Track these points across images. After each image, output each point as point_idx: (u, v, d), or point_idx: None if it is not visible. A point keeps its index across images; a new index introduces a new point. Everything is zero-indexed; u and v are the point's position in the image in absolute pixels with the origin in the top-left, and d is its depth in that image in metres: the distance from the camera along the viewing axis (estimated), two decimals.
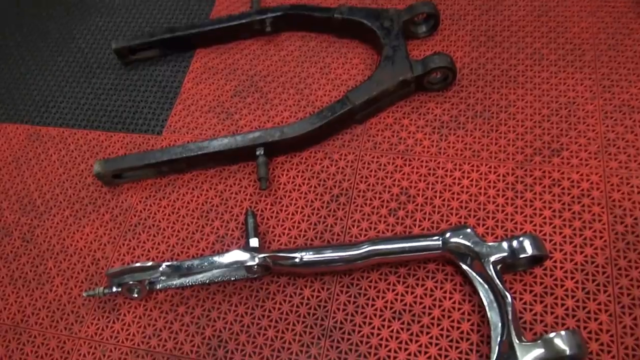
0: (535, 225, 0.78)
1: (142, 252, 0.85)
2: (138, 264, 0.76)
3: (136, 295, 0.79)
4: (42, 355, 0.79)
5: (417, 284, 0.76)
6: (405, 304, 0.74)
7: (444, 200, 0.82)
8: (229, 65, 1.04)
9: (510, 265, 0.72)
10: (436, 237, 0.74)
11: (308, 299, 0.77)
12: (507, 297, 0.66)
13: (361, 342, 0.72)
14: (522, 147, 0.85)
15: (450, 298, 0.74)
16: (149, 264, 0.76)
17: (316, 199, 0.85)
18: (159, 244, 0.86)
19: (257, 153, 0.87)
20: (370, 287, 0.76)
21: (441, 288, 0.75)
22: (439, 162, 0.86)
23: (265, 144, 0.87)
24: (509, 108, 0.89)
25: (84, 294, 0.79)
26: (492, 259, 0.70)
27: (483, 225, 0.79)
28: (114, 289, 0.78)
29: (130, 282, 0.77)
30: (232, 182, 0.89)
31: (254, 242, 0.78)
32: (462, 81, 0.93)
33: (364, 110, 0.89)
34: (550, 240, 0.76)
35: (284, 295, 0.78)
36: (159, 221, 0.88)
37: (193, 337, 0.76)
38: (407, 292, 0.75)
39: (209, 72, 1.04)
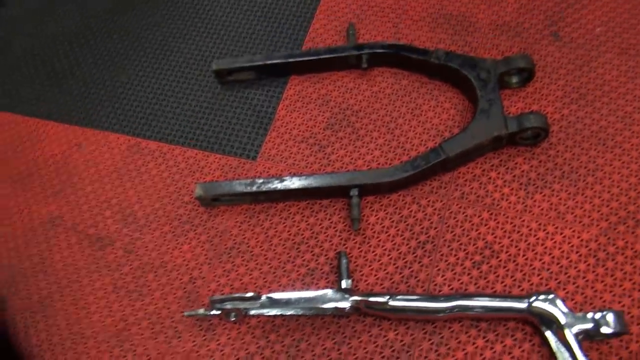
0: (614, 295, 0.82)
1: (237, 275, 0.92)
2: (241, 295, 0.83)
3: (233, 319, 0.87)
4: None
5: (497, 340, 0.81)
6: (483, 358, 0.80)
7: (526, 259, 0.86)
8: (322, 95, 1.08)
9: (590, 336, 0.76)
10: (522, 300, 0.79)
11: (392, 342, 0.83)
12: None
13: None
14: (606, 214, 0.88)
15: (527, 359, 0.79)
16: (250, 294, 0.83)
17: (403, 243, 0.91)
18: (252, 270, 0.92)
19: (351, 193, 0.92)
20: (451, 337, 0.82)
21: (520, 347, 0.80)
22: (523, 220, 0.90)
23: (360, 186, 0.92)
24: (596, 172, 0.92)
25: (185, 314, 0.86)
26: (575, 329, 0.75)
27: (563, 289, 0.83)
28: (214, 312, 0.85)
29: (229, 307, 0.85)
30: (323, 216, 0.95)
31: (346, 283, 0.84)
32: (551, 138, 0.96)
33: (455, 161, 0.93)
34: (628, 313, 0.80)
35: (369, 335, 0.84)
36: (253, 247, 0.94)
37: None
38: (486, 347, 0.81)
39: (302, 101, 1.08)
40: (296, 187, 0.93)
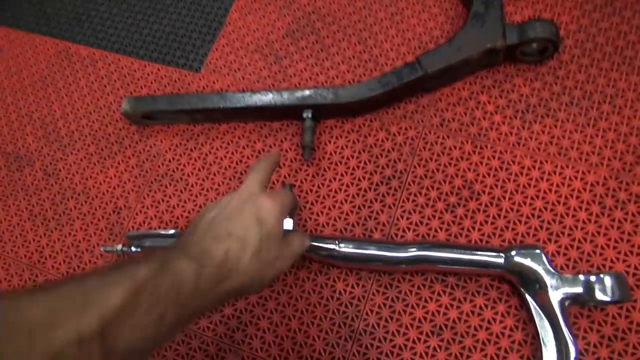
0: (619, 252, 0.65)
1: (167, 207, 0.78)
2: (159, 231, 0.69)
3: None
4: None
5: (465, 299, 0.66)
6: (448, 319, 0.66)
7: (513, 203, 0.70)
8: None
9: (581, 302, 0.61)
10: (499, 254, 0.63)
11: (340, 293, 0.69)
12: (571, 348, 0.56)
13: (392, 353, 0.65)
14: (622, 151, 0.70)
15: (501, 322, 0.64)
16: (171, 231, 0.69)
17: (364, 178, 0.74)
18: (185, 201, 0.78)
19: (304, 115, 0.75)
20: (411, 292, 0.68)
21: (492, 308, 0.65)
22: (515, 155, 0.72)
23: (315, 106, 0.74)
24: (615, 99, 0.73)
25: (102, 249, 0.73)
26: (562, 294, 0.59)
27: (555, 242, 0.67)
28: (133, 249, 0.72)
29: (148, 245, 0.71)
30: (271, 141, 0.79)
31: (288, 223, 0.69)
32: (562, 55, 0.76)
33: (436, 79, 0.74)
34: (634, 275, 0.64)
35: (314, 284, 0.70)
36: (188, 175, 0.79)
37: (211, 313, 0.71)
38: (452, 306, 0.66)
39: (261, 1, 0.89)
40: (239, 106, 0.76)
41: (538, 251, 0.62)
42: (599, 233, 0.66)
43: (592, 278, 0.59)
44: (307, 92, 0.75)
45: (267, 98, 0.76)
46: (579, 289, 0.59)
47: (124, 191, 0.80)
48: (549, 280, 0.60)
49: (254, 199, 0.49)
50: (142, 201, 0.79)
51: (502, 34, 0.72)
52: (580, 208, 0.68)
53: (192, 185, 0.79)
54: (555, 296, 0.59)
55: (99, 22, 0.94)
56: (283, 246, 0.50)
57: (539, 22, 0.71)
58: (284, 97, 0.75)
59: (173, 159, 0.81)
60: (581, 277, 0.59)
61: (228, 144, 0.80)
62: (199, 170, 0.79)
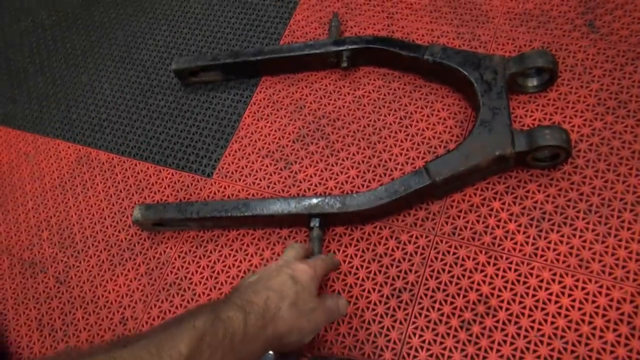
0: None
1: None
2: None
3: None
4: None
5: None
6: None
7: (533, 321, 0.65)
8: (295, 100, 0.90)
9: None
10: None
11: None
12: None
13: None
14: None
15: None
16: None
17: (374, 290, 0.71)
18: None
19: (312, 225, 0.74)
20: None
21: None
22: (532, 268, 0.68)
23: (322, 215, 0.73)
24: (637, 207, 0.69)
25: None
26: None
27: None
28: None
29: None
30: (279, 249, 0.77)
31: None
32: (577, 159, 0.74)
33: (445, 186, 0.73)
34: None
35: None
36: (195, 284, 0.78)
37: None
38: None
39: (273, 106, 0.91)
40: (247, 214, 0.76)
41: None
42: (630, 358, 0.61)
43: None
44: (314, 201, 0.74)
45: (274, 207, 0.75)
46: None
47: (131, 300, 0.79)
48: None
49: (289, 264, 0.58)
50: (149, 312, 0.78)
51: (511, 141, 0.70)
52: (608, 328, 0.63)
53: (199, 295, 0.77)
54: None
55: (119, 128, 0.97)
56: (318, 300, 0.56)
57: (549, 129, 0.69)
58: (292, 206, 0.75)
59: (182, 266, 0.80)
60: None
61: (237, 251, 0.79)
62: (207, 279, 0.78)
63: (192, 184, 0.87)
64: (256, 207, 0.76)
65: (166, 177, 0.89)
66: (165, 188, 0.88)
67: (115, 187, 0.91)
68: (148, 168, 0.91)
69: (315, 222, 0.74)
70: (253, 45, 0.99)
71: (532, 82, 0.79)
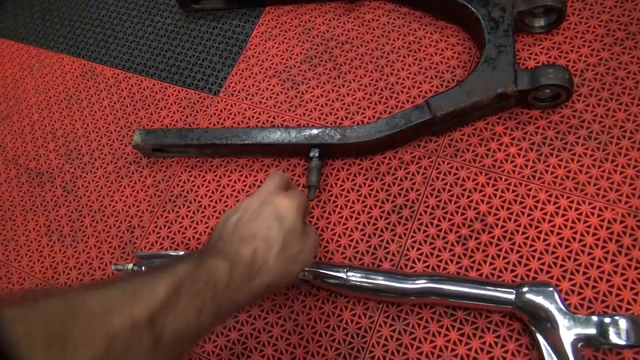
0: (637, 294, 0.63)
1: (179, 228, 0.79)
2: (169, 252, 0.70)
3: None
4: None
5: (475, 335, 0.65)
6: (456, 355, 0.64)
7: (527, 237, 0.68)
8: (303, 22, 0.90)
9: (595, 344, 0.59)
10: (510, 290, 0.62)
11: (347, 323, 0.68)
12: None
13: None
14: None
15: None
16: (181, 253, 0.70)
17: (376, 206, 0.74)
18: (197, 223, 0.79)
19: (312, 154, 0.75)
20: (419, 325, 0.66)
21: (502, 347, 0.63)
22: (530, 189, 0.71)
23: (322, 145, 0.74)
24: (636, 134, 0.71)
25: (113, 267, 0.74)
26: (574, 335, 0.57)
27: (570, 280, 0.65)
28: (143, 268, 0.73)
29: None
30: (289, 174, 0.79)
31: None
32: (581, 88, 0.75)
33: (445, 123, 0.74)
34: None
35: (320, 312, 0.69)
36: (201, 197, 0.80)
37: (217, 337, 0.71)
38: (460, 342, 0.65)
39: (281, 27, 0.90)
40: (247, 143, 0.76)
41: (551, 289, 0.60)
42: (615, 273, 0.64)
43: (607, 320, 0.57)
44: (314, 131, 0.75)
45: (275, 135, 0.76)
46: (592, 331, 0.57)
47: (138, 210, 0.82)
48: (561, 320, 0.58)
49: (272, 199, 0.54)
50: (156, 221, 0.80)
51: (514, 79, 0.71)
52: (597, 246, 0.66)
53: (205, 207, 0.79)
54: (567, 337, 0.57)
55: (125, 45, 0.97)
56: (304, 239, 0.54)
57: (552, 68, 0.70)
58: (292, 135, 0.76)
59: (188, 180, 0.82)
60: (595, 318, 0.57)
61: (242, 167, 0.81)
62: (212, 192, 0.80)
63: (198, 101, 0.88)
64: (257, 136, 0.76)
65: (172, 94, 0.90)
66: (171, 105, 0.89)
67: (121, 103, 0.91)
68: (154, 84, 0.91)
69: (314, 152, 0.75)
70: None
71: (539, 22, 0.79)
